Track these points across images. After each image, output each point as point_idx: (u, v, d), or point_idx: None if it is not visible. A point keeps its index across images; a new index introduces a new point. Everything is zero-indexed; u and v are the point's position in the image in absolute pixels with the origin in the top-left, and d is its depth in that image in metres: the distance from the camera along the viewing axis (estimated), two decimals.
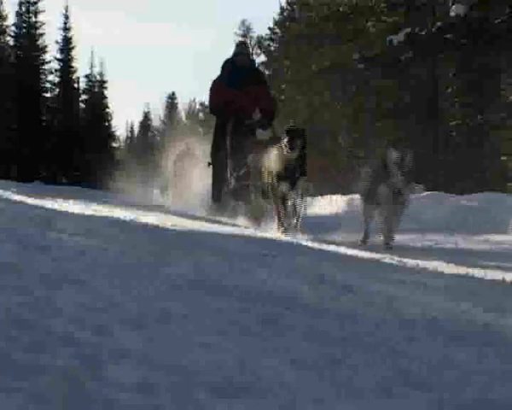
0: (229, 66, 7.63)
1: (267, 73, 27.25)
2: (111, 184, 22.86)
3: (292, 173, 5.61)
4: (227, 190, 7.35)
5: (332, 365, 1.28)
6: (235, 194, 7.19)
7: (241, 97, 7.32)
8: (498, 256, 4.78)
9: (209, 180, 8.46)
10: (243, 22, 37.46)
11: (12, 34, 25.94)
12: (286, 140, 5.53)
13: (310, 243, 4.45)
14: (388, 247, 5.16)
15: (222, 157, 7.42)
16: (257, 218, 6.22)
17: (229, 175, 7.33)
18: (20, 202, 4.29)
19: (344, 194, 11.88)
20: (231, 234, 4.36)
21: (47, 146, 25.52)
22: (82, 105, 29.22)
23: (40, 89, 26.32)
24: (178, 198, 12.47)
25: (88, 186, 22.02)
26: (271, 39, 29.11)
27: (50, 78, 27.07)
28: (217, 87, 7.59)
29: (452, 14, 14.42)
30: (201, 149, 14.24)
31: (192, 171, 14.16)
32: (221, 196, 7.49)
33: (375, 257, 4.00)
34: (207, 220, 5.93)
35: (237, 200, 7.13)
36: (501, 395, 1.23)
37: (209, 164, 7.85)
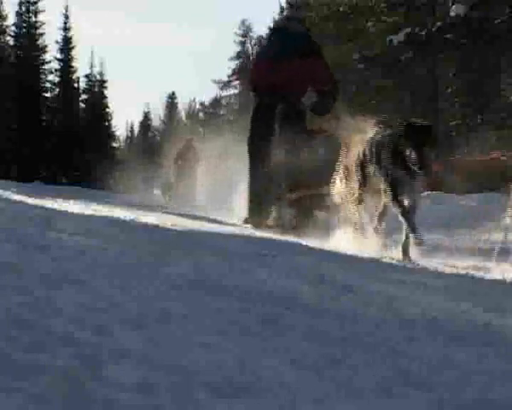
0: (278, 33, 6.12)
1: None
2: (111, 184, 22.91)
3: (408, 186, 4.24)
4: (280, 202, 5.65)
5: (332, 365, 1.27)
6: (295, 206, 5.55)
7: (292, 73, 5.68)
8: (498, 256, 4.78)
9: (218, 180, 7.63)
10: (243, 22, 37.53)
11: (12, 34, 26.00)
12: (409, 150, 4.06)
13: (310, 243, 4.45)
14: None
15: (267, 153, 5.67)
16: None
17: (279, 179, 5.68)
18: (20, 202, 4.29)
19: None
20: (231, 234, 4.36)
21: (47, 146, 25.54)
22: (82, 105, 29.24)
23: (40, 89, 26.35)
24: (182, 200, 12.35)
25: (88, 186, 22.04)
26: None
27: (50, 78, 27.13)
28: (262, 61, 6.01)
29: (452, 14, 14.42)
30: (204, 145, 14.07)
31: (196, 169, 13.96)
32: (264, 206, 5.81)
33: (375, 257, 4.00)
34: (207, 220, 5.93)
35: (302, 215, 5.45)
36: (501, 395, 1.23)
37: (251, 162, 6.00)
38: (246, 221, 5.86)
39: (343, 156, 4.95)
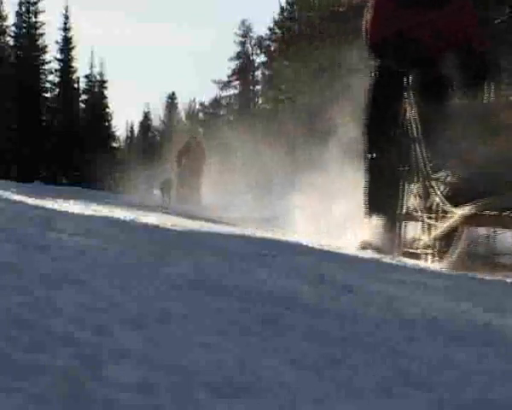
0: None
1: (267, 72, 27.22)
2: (111, 185, 22.91)
3: None
4: (439, 220, 3.79)
5: (332, 365, 1.27)
6: (468, 227, 3.55)
7: (428, 25, 4.04)
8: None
9: (233, 180, 7.16)
10: (243, 22, 37.41)
11: (12, 34, 25.96)
12: None
13: (310, 243, 4.45)
14: None
15: (395, 143, 4.09)
16: None
17: (424, 182, 3.93)
18: (20, 202, 4.29)
19: None
20: (231, 234, 4.35)
21: (47, 146, 25.52)
22: (82, 105, 29.21)
23: (40, 89, 26.32)
24: (183, 203, 12.25)
25: (88, 186, 22.00)
26: (271, 39, 29.10)
27: (50, 78, 27.07)
28: (384, 7, 4.21)
29: None
30: (207, 142, 13.79)
31: (200, 168, 13.73)
32: (394, 223, 4.16)
33: (375, 257, 4.00)
34: (207, 220, 5.93)
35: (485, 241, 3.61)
36: (501, 395, 1.22)
37: (371, 158, 4.27)
38: (364, 246, 4.20)
39: None
